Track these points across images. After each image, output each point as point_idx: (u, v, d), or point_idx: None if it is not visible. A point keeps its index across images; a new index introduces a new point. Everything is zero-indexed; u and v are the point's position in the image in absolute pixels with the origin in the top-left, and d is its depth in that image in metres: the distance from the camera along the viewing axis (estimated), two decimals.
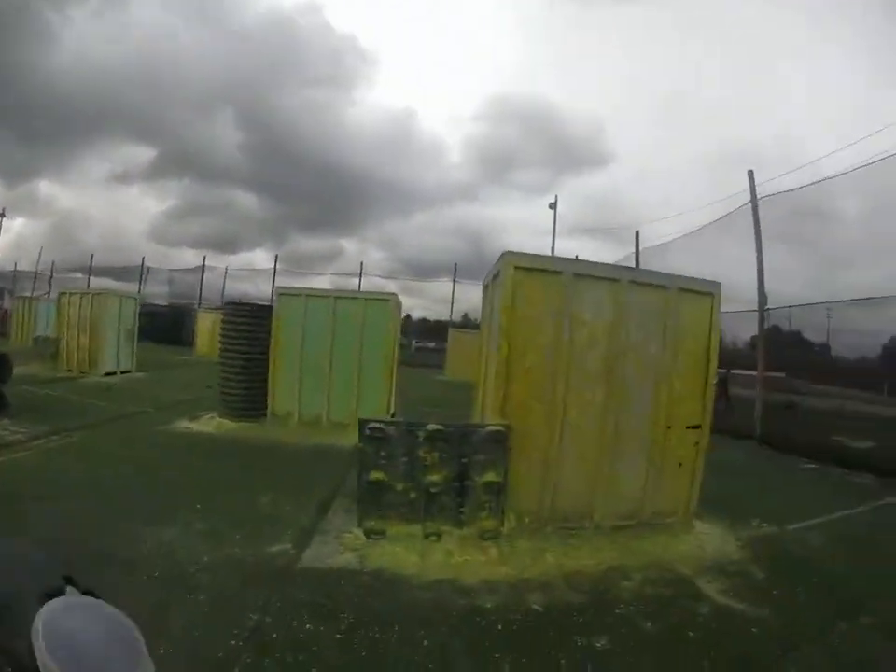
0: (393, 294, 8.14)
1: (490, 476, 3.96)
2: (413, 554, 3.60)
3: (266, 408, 7.63)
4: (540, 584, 3.30)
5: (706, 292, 4.48)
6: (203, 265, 22.71)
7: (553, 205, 22.79)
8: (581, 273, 4.08)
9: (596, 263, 4.24)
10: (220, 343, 8.02)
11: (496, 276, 4.38)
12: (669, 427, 4.29)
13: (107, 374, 11.94)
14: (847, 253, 11.34)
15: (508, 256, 4.03)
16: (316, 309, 7.49)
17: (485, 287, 5.25)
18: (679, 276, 4.36)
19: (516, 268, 4.01)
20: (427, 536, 3.85)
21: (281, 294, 7.82)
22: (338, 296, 7.66)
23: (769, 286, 9.96)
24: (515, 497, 4.06)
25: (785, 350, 10.04)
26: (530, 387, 4.02)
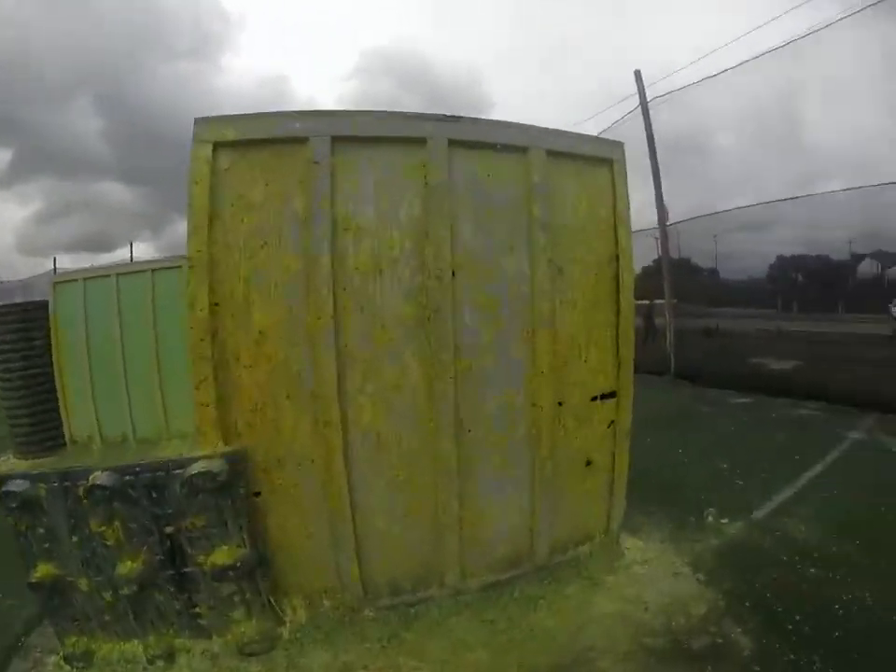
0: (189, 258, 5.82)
1: (222, 553, 1.98)
2: None
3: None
4: None
5: (600, 158, 2.49)
6: (55, 268, 18.64)
7: None
8: (347, 133, 2.02)
9: (383, 112, 2.06)
10: None
11: None
12: (561, 404, 2.37)
13: None
14: (726, 181, 10.96)
15: (199, 125, 1.90)
16: (98, 295, 5.19)
17: None
18: (547, 129, 2.35)
19: (217, 145, 1.91)
20: (151, 660, 1.99)
21: (56, 283, 5.45)
22: (120, 272, 5.33)
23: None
24: (293, 573, 2.12)
25: (678, 275, 9.01)
26: (270, 372, 1.99)
